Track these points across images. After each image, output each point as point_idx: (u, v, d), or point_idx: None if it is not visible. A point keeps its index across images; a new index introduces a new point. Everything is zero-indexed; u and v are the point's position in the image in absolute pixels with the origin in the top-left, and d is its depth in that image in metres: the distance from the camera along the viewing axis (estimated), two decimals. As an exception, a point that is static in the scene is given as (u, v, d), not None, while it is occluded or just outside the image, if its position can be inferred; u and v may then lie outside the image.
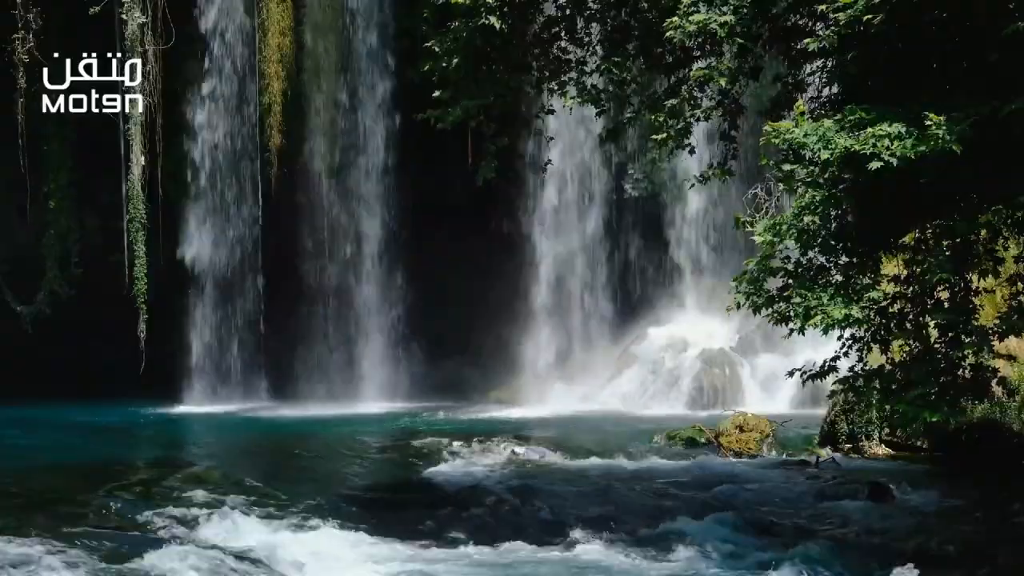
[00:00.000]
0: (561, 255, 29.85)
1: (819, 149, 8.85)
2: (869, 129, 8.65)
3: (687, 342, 27.66)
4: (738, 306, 9.99)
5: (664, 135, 11.37)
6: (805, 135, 8.95)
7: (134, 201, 28.12)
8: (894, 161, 8.52)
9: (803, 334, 9.65)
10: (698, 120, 11.61)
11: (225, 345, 30.01)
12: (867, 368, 10.25)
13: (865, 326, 9.70)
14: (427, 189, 28.83)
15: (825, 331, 9.31)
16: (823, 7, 9.54)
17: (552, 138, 15.14)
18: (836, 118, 9.03)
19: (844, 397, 16.10)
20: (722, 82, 10.66)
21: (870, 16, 8.99)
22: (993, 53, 8.83)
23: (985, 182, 9.24)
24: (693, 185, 12.15)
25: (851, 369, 10.29)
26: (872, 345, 10.22)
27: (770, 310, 9.70)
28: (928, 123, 8.43)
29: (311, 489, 15.18)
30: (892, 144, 8.53)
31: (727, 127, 12.15)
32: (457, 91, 12.08)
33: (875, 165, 8.58)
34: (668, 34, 10.33)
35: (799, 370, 10.69)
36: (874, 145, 8.57)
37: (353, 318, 29.98)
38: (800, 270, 9.69)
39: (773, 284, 9.89)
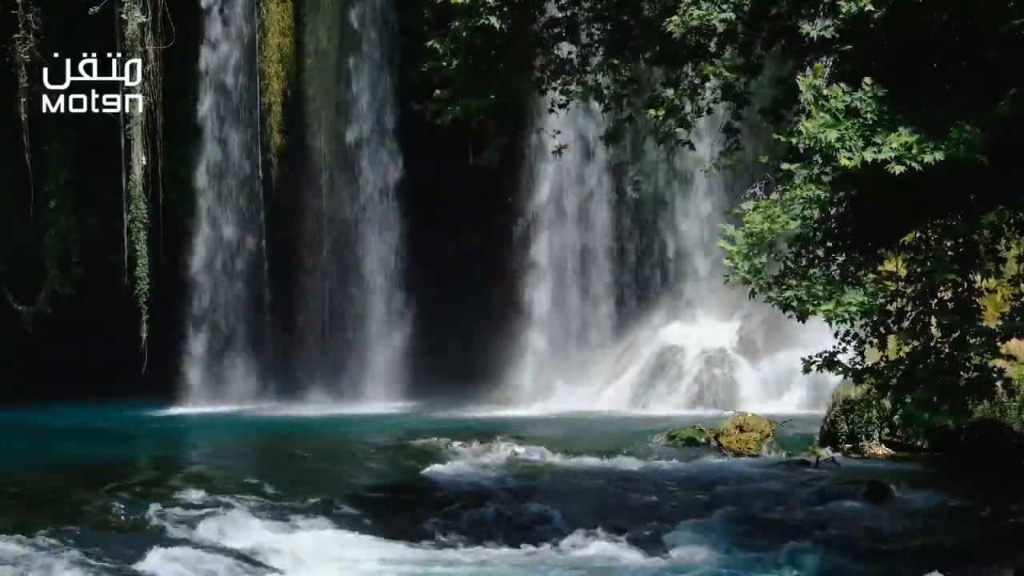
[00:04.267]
0: (561, 255, 29.84)
1: (836, 150, 8.73)
2: (892, 136, 8.58)
3: (687, 342, 27.64)
4: (745, 282, 9.74)
5: (665, 130, 11.35)
6: (837, 139, 8.76)
7: (135, 201, 28.12)
8: (917, 166, 8.48)
9: (803, 322, 9.57)
10: (699, 114, 11.58)
11: (226, 345, 30.00)
12: (864, 364, 10.21)
13: (865, 319, 9.63)
14: (428, 188, 28.83)
15: (830, 321, 9.25)
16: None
17: (559, 131, 15.06)
18: (852, 103, 8.85)
19: (846, 395, 16.12)
20: (726, 74, 10.62)
21: (871, 10, 8.97)
22: (992, 52, 8.82)
23: (986, 183, 9.23)
24: (706, 171, 12.06)
25: (851, 362, 10.25)
26: (871, 341, 10.19)
27: (769, 295, 9.59)
28: (953, 133, 8.38)
29: (311, 489, 15.17)
30: (913, 149, 8.48)
31: (730, 119, 12.13)
32: (457, 90, 12.09)
33: (898, 169, 8.52)
34: (669, 30, 10.32)
35: (812, 360, 10.44)
36: (898, 150, 8.51)
37: (354, 318, 29.97)
38: (799, 259, 9.63)
39: (772, 268, 9.80)
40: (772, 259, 9.61)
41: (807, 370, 10.18)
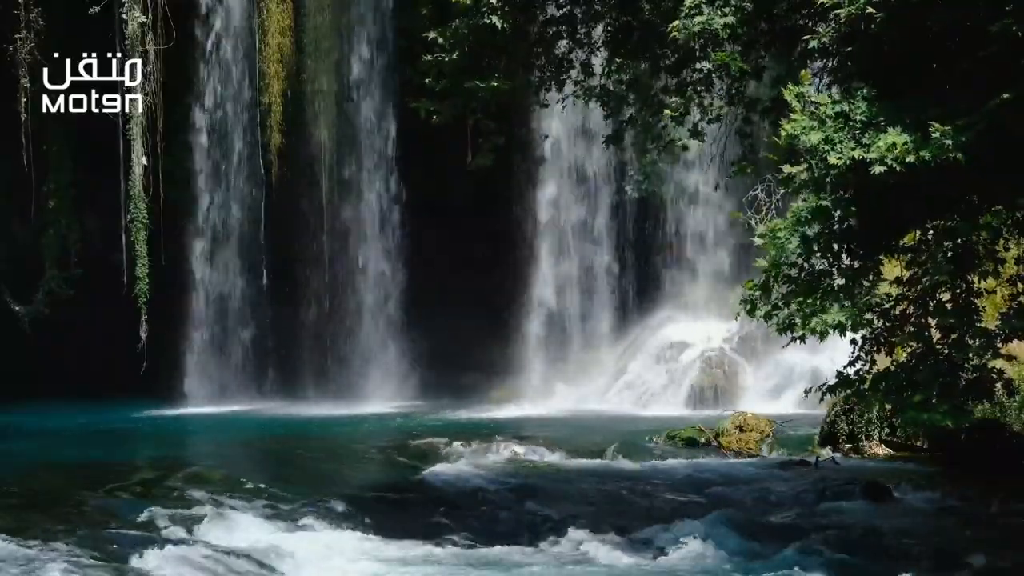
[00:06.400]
0: (561, 254, 29.85)
1: (826, 151, 8.77)
2: (879, 140, 8.61)
3: (687, 342, 27.65)
4: (749, 312, 9.89)
5: (668, 138, 11.37)
6: (821, 141, 8.81)
7: (135, 201, 28.08)
8: (897, 166, 8.51)
9: (803, 342, 9.63)
10: (709, 122, 11.62)
11: (226, 345, 30.01)
12: (872, 371, 10.22)
13: (867, 330, 9.67)
14: (427, 189, 28.84)
15: (822, 337, 9.30)
16: (824, 1, 9.51)
17: (547, 136, 15.16)
18: (843, 108, 8.90)
19: (844, 397, 16.11)
20: (737, 67, 10.62)
21: (871, 11, 8.98)
22: (990, 51, 8.83)
23: (986, 183, 9.23)
24: (717, 187, 12.14)
25: (857, 372, 10.27)
26: (879, 347, 10.20)
27: (775, 319, 9.65)
28: (932, 132, 8.40)
29: (311, 489, 15.18)
30: (897, 149, 8.51)
31: (741, 124, 12.15)
32: (454, 83, 12.10)
33: (879, 169, 8.55)
34: (672, 35, 10.35)
35: (818, 387, 10.53)
36: (880, 150, 8.54)
37: (354, 318, 29.98)
38: (802, 275, 9.66)
39: (777, 292, 9.86)
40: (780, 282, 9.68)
41: (808, 394, 10.32)
